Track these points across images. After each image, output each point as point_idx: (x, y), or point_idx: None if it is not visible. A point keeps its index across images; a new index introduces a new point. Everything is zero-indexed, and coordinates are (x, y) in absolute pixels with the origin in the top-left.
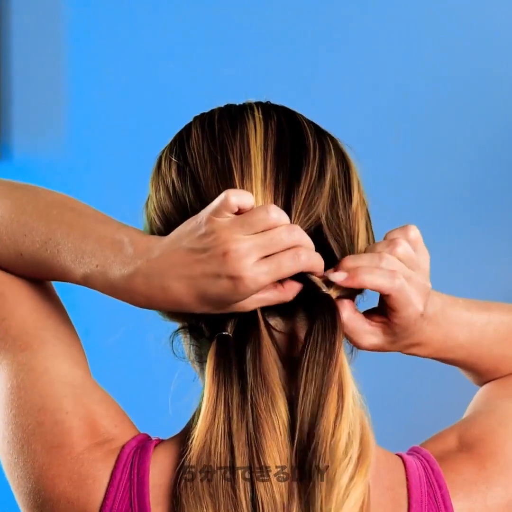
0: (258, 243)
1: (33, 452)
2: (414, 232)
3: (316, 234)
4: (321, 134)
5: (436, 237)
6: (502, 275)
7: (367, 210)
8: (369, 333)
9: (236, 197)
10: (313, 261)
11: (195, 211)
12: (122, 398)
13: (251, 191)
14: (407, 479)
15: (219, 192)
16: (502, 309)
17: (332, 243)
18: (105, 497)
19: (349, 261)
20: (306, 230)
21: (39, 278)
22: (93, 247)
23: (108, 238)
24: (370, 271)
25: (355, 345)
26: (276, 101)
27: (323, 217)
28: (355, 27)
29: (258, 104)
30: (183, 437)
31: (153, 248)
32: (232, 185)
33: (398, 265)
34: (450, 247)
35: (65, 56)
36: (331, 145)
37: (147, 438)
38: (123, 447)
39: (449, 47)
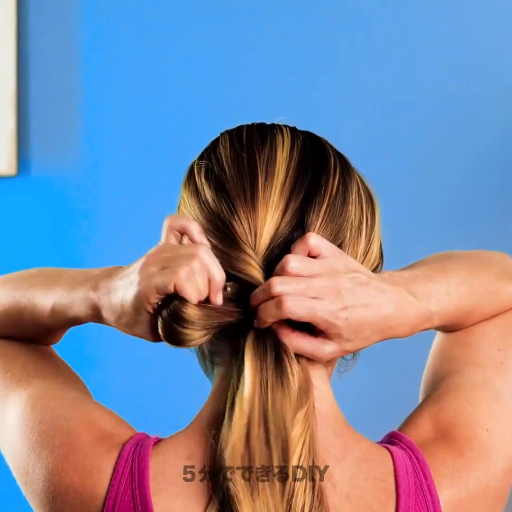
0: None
1: (38, 457)
2: (312, 238)
3: None
4: (342, 159)
5: (427, 248)
6: None
7: (380, 237)
8: (318, 344)
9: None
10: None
11: (217, 211)
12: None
13: (270, 196)
14: (395, 470)
15: (244, 191)
16: (456, 264)
17: None
18: (110, 488)
19: (252, 300)
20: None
21: (38, 334)
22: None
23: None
24: (262, 309)
25: (318, 359)
26: (277, 112)
27: (347, 239)
28: (353, 43)
29: (285, 125)
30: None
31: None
32: (255, 187)
33: (286, 286)
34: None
35: (80, 75)
36: (352, 170)
37: (146, 436)
38: (124, 444)
39: (442, 62)
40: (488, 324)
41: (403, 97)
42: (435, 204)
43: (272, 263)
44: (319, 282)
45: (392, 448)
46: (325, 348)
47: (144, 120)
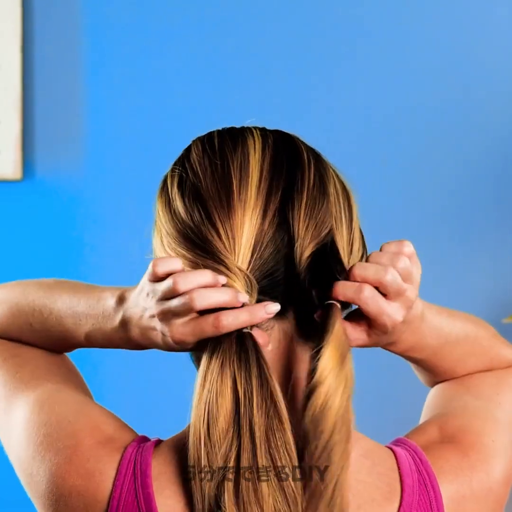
0: (171, 308)
1: (42, 459)
2: (408, 247)
3: (329, 250)
4: (315, 153)
5: (423, 250)
6: (481, 288)
7: (360, 227)
8: (356, 338)
9: (161, 265)
10: (237, 321)
11: (189, 222)
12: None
13: (246, 198)
14: (398, 467)
15: (219, 197)
16: (461, 316)
17: (344, 260)
18: (113, 489)
19: (357, 269)
20: (316, 245)
21: (52, 346)
22: (85, 309)
23: (95, 297)
24: (342, 284)
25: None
26: (276, 119)
27: (334, 229)
28: (352, 47)
29: (255, 127)
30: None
31: (128, 299)
32: (230, 192)
33: (395, 280)
34: (433, 259)
35: (84, 80)
36: (326, 163)
37: (147, 439)
38: (126, 447)
39: (439, 67)
40: (485, 374)
41: (402, 99)
42: (432, 206)
43: (264, 262)
44: (410, 291)
45: (395, 448)
46: (359, 341)
47: (148, 124)
